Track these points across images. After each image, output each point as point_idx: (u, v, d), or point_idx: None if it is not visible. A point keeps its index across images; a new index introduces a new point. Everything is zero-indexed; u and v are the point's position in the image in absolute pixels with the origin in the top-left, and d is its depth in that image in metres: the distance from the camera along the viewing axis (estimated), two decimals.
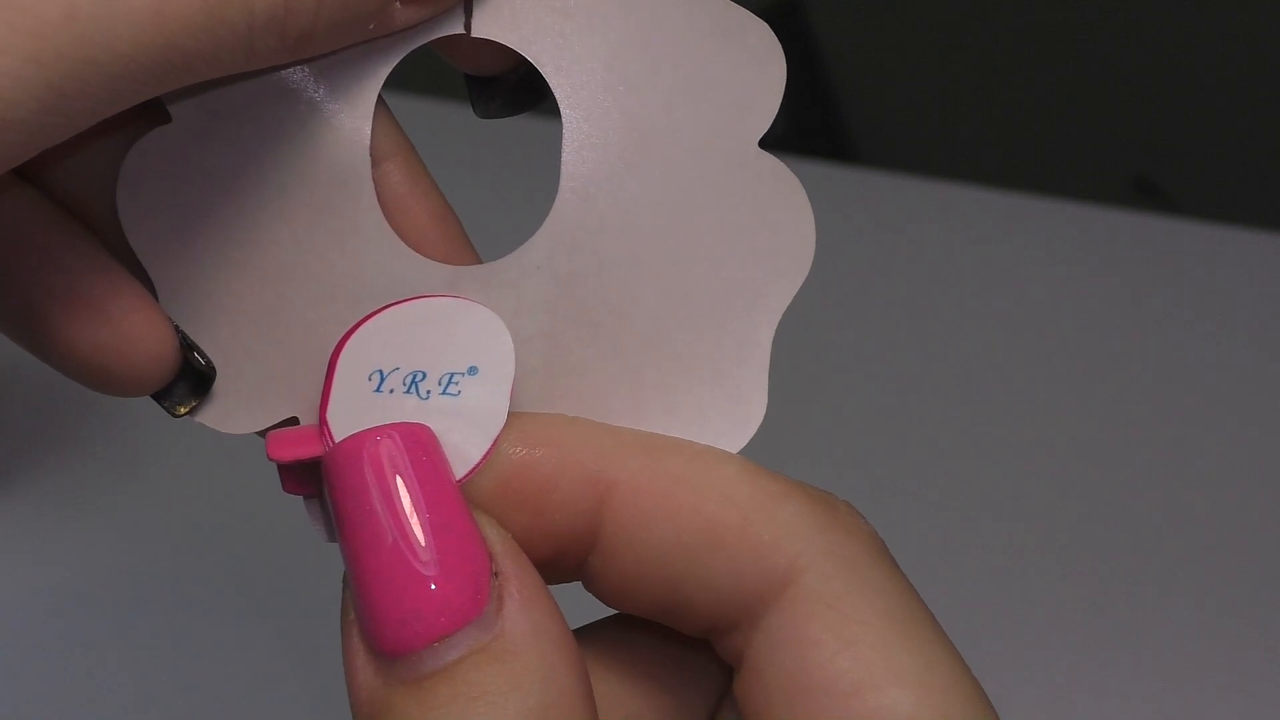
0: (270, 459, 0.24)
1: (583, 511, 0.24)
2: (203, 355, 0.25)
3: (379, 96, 0.25)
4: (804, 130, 1.18)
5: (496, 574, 0.22)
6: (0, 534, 0.50)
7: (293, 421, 0.25)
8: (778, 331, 0.25)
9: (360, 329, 0.24)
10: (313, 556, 0.49)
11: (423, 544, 0.22)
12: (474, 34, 0.24)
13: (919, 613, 0.23)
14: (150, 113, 0.25)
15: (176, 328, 0.25)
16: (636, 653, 0.26)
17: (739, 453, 0.24)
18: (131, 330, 0.24)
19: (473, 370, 0.24)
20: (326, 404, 0.24)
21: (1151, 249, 0.64)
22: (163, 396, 0.25)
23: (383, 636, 0.22)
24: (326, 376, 0.24)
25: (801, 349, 0.49)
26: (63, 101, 0.20)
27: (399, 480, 0.22)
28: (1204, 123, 1.21)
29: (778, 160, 0.24)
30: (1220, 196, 1.17)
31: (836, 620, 0.23)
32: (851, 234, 0.63)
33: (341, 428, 0.24)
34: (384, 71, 0.24)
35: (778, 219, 0.24)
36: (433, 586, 0.22)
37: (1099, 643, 0.48)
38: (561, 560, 0.24)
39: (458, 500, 0.23)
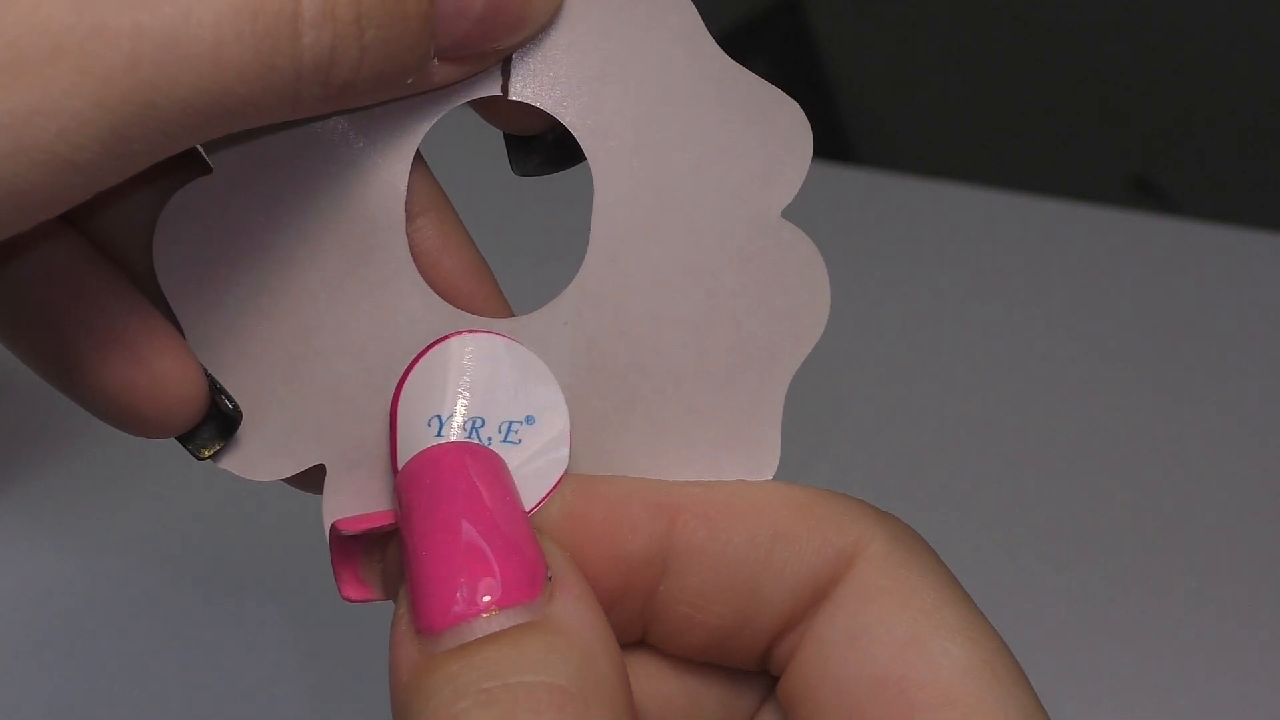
0: (341, 532, 0.25)
1: (653, 533, 0.25)
2: (230, 399, 0.25)
3: (417, 153, 0.25)
4: None
5: (550, 579, 0.23)
6: (0, 534, 0.50)
7: (319, 470, 0.26)
8: None
9: (412, 374, 0.25)
10: (314, 557, 0.49)
11: (488, 535, 0.23)
12: (511, 96, 0.25)
13: (966, 614, 0.25)
14: (189, 162, 0.25)
15: (206, 371, 0.25)
16: (679, 660, 0.27)
17: None
18: (162, 372, 0.25)
19: (529, 420, 0.25)
20: (395, 453, 0.25)
21: (1151, 249, 0.64)
22: (188, 439, 0.25)
23: (434, 612, 0.22)
24: (390, 427, 0.25)
25: None
26: (123, 145, 0.20)
27: (473, 479, 0.24)
28: (1204, 123, 1.21)
29: (797, 229, 0.25)
30: (1220, 196, 1.17)
31: (897, 587, 0.24)
32: (851, 234, 0.63)
33: None
34: (423, 128, 0.25)
35: (795, 284, 0.26)
36: (494, 568, 0.22)
37: (1099, 643, 0.48)
38: (630, 592, 0.25)
39: (522, 514, 0.24)
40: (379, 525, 0.25)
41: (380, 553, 0.25)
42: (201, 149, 0.25)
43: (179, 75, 0.20)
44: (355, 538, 0.25)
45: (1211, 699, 0.47)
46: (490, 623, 0.22)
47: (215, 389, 0.25)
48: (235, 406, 0.25)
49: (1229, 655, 0.48)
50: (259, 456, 0.26)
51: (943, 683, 0.23)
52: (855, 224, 0.65)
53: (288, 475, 0.26)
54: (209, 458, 0.25)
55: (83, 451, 0.53)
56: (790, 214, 0.26)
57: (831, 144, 1.21)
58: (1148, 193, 1.22)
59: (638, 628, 0.26)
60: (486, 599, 0.22)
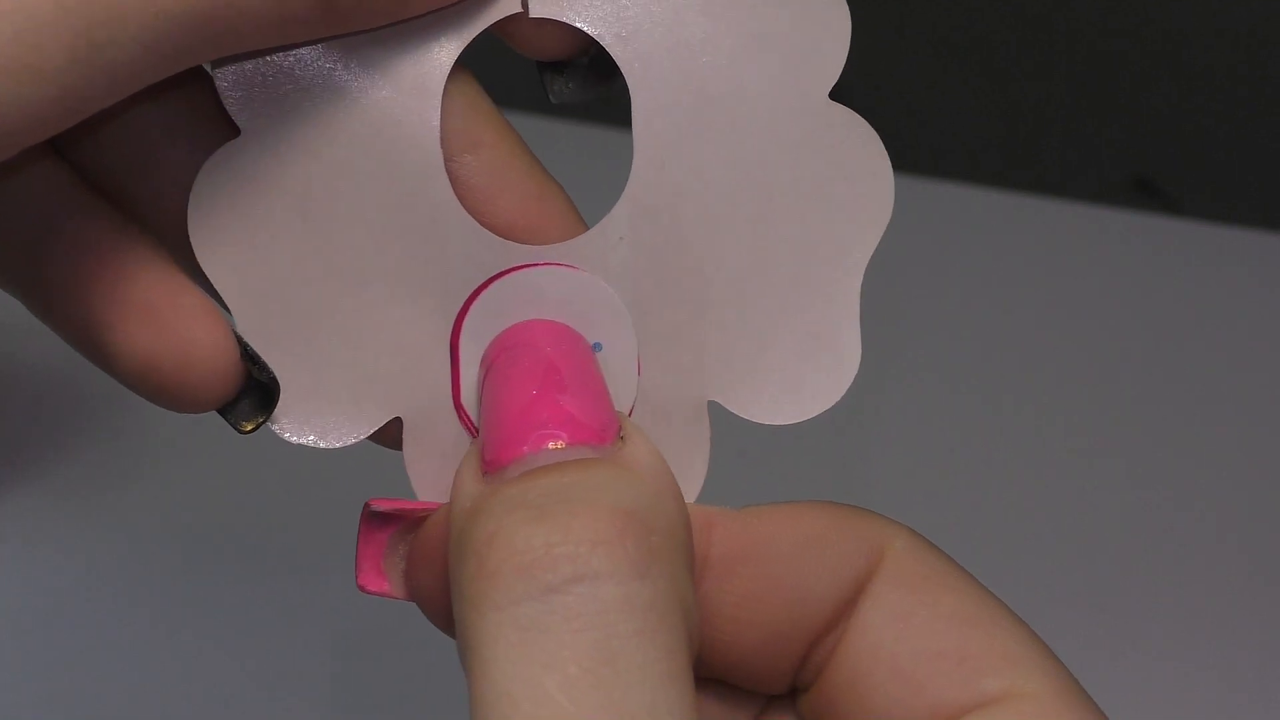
0: (372, 508, 0.24)
1: (696, 541, 0.24)
2: (266, 369, 0.25)
3: (455, 85, 0.24)
4: None
5: (623, 437, 0.23)
6: (0, 534, 0.50)
7: (396, 424, 0.25)
8: None
9: (472, 308, 0.25)
10: (316, 556, 0.49)
11: (566, 386, 0.23)
12: (532, 13, 0.24)
13: (1000, 601, 0.25)
14: (219, 132, 0.24)
15: (240, 340, 0.24)
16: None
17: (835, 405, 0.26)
18: (191, 340, 0.24)
19: (597, 347, 0.25)
20: (458, 391, 0.25)
21: (1151, 249, 0.64)
22: (227, 412, 0.25)
23: (502, 447, 0.22)
24: (452, 364, 0.25)
25: None
26: (95, 53, 0.19)
27: (558, 343, 0.24)
28: (1204, 123, 1.21)
29: (849, 109, 0.25)
30: (1220, 196, 1.17)
31: (934, 573, 0.24)
32: None
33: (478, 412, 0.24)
34: (446, 62, 0.24)
35: (854, 168, 0.25)
36: (567, 410, 0.22)
37: (1100, 643, 0.48)
38: None
39: (601, 381, 0.23)
40: (413, 509, 0.24)
41: (406, 548, 0.25)
42: (229, 112, 0.24)
43: None
44: (386, 518, 0.25)
45: (1211, 699, 0.47)
46: (557, 454, 0.22)
47: (249, 358, 0.25)
48: (271, 377, 0.25)
49: (1229, 655, 0.48)
50: (332, 423, 0.25)
51: (1001, 650, 0.24)
52: None
53: (364, 436, 0.25)
54: (250, 431, 0.25)
55: (84, 451, 0.53)
56: None
57: None
58: (1149, 193, 1.22)
59: None
60: (555, 440, 0.22)
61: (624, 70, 0.24)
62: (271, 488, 0.51)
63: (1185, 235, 0.65)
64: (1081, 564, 0.51)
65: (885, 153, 0.25)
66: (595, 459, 0.22)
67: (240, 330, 0.25)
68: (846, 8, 0.25)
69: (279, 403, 0.25)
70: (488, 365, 0.24)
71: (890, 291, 0.63)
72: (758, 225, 0.25)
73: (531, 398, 0.23)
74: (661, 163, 0.25)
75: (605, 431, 0.22)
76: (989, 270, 0.63)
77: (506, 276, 0.25)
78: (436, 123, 0.24)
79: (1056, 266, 0.63)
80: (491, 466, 0.22)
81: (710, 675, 0.26)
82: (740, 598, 0.25)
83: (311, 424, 0.25)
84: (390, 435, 0.26)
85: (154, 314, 0.24)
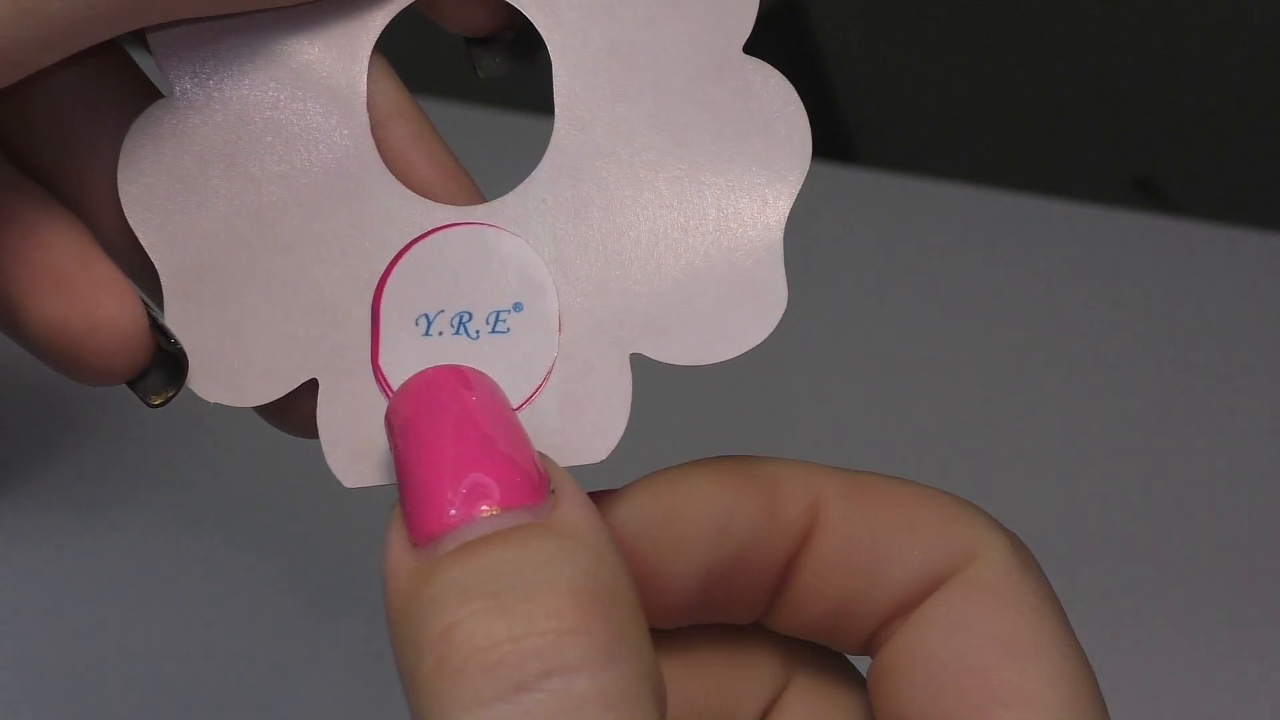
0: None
1: (805, 505, 0.25)
2: (175, 339, 0.25)
3: (376, 58, 0.25)
4: None
5: (553, 491, 0.22)
6: (0, 534, 0.50)
7: (313, 386, 0.25)
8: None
9: (394, 271, 0.25)
10: (316, 556, 0.49)
11: (483, 442, 0.22)
12: None
13: (1064, 630, 0.25)
14: (140, 106, 0.25)
15: (149, 311, 0.25)
16: (691, 640, 0.26)
17: (760, 344, 0.25)
18: (100, 309, 0.24)
19: (518, 307, 0.25)
20: (377, 353, 0.25)
21: (1151, 249, 0.64)
22: (136, 385, 0.25)
23: (429, 518, 0.21)
24: (372, 326, 0.25)
25: (800, 349, 0.49)
26: (35, 4, 0.19)
27: (469, 395, 0.23)
28: (1204, 123, 1.21)
29: (763, 62, 0.25)
30: (1220, 196, 1.17)
31: (1006, 590, 0.25)
32: (851, 234, 0.63)
33: (396, 375, 0.24)
34: (373, 29, 0.25)
35: (771, 119, 0.25)
36: (492, 470, 0.21)
37: (1100, 644, 0.48)
38: (774, 560, 0.25)
39: (521, 429, 0.23)
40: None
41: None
42: (154, 61, 0.24)
43: None
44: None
45: (1212, 699, 0.47)
46: (492, 522, 0.21)
47: (158, 329, 0.25)
48: (180, 349, 0.25)
49: (1229, 655, 0.48)
50: (248, 381, 0.25)
51: (1024, 682, 0.24)
52: (856, 224, 0.64)
53: (278, 396, 0.25)
54: (159, 405, 0.25)
55: (84, 452, 0.53)
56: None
57: (831, 144, 1.21)
58: (1149, 193, 1.22)
59: (766, 599, 0.26)
60: (485, 504, 0.21)
61: (544, 35, 0.25)
62: (272, 488, 0.51)
63: (1185, 235, 0.65)
64: (1081, 564, 0.51)
65: (799, 102, 0.25)
66: (533, 525, 0.21)
67: (166, 290, 0.25)
68: None
69: (196, 361, 0.25)
70: (399, 425, 0.23)
71: (890, 292, 0.63)
72: (680, 182, 0.25)
73: (453, 457, 0.22)
74: (582, 124, 0.25)
75: (537, 489, 0.22)
76: (989, 270, 0.63)
77: (430, 237, 0.25)
78: (363, 87, 0.25)
79: (1056, 266, 0.63)
80: (422, 539, 0.21)
81: (789, 630, 0.26)
82: (821, 566, 0.25)
83: (227, 382, 0.25)
84: (300, 416, 0.25)
85: (64, 281, 0.24)
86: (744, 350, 0.25)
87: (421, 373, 0.23)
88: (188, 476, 0.52)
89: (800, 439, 0.53)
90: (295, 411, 0.25)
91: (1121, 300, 0.62)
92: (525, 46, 0.26)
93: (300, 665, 0.47)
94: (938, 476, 0.53)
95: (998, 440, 0.55)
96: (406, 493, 0.22)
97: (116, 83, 0.25)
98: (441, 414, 0.22)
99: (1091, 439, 0.56)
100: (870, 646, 0.26)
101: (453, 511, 0.21)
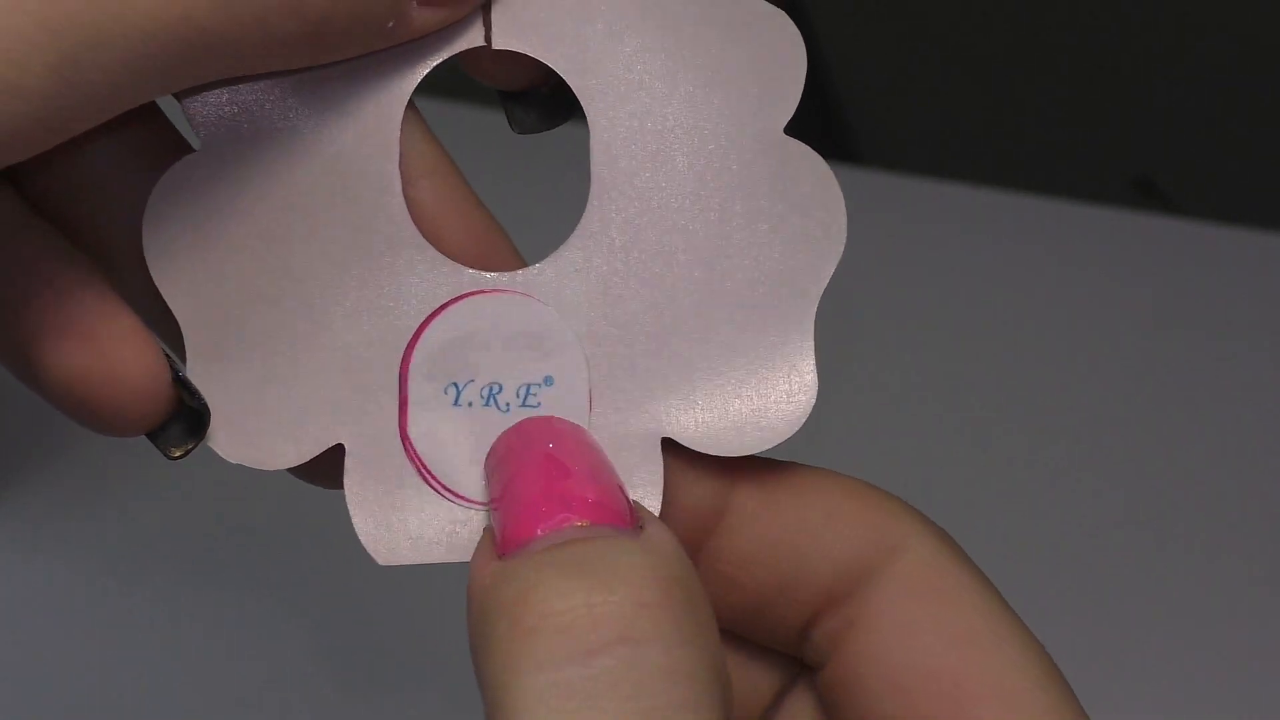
0: None
1: (715, 489, 0.25)
2: (197, 394, 0.24)
3: (410, 114, 0.25)
4: (804, 130, 1.17)
5: (641, 525, 0.22)
6: (0, 534, 0.50)
7: (333, 461, 0.25)
8: None
9: (423, 336, 0.24)
10: (316, 556, 0.49)
11: (586, 471, 0.22)
12: (495, 45, 0.24)
13: (1014, 618, 0.25)
14: (175, 147, 0.24)
15: (172, 365, 0.24)
16: None
17: (794, 434, 0.26)
18: (121, 362, 0.23)
19: (549, 380, 0.24)
20: (405, 421, 0.24)
21: (1151, 249, 0.64)
22: (156, 436, 0.24)
23: (524, 523, 0.21)
24: (400, 391, 0.24)
25: None
26: (78, 73, 0.19)
27: (564, 432, 0.23)
28: (1204, 123, 1.21)
29: (803, 144, 0.25)
30: (1220, 196, 1.17)
31: (947, 585, 0.24)
32: (851, 234, 0.63)
33: (425, 444, 0.24)
34: (408, 86, 0.24)
35: (808, 202, 0.25)
36: (586, 496, 0.22)
37: (1101, 643, 0.48)
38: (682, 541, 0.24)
39: (613, 468, 0.23)
40: None
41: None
42: (187, 119, 0.24)
43: None
44: None
45: (1212, 699, 0.47)
46: (582, 531, 0.21)
47: (180, 384, 0.24)
48: (203, 403, 0.24)
49: (1229, 655, 0.48)
50: (271, 444, 0.25)
51: (997, 679, 0.23)
52: (856, 224, 0.64)
53: (305, 460, 0.25)
54: (179, 458, 0.24)
55: (84, 452, 0.53)
56: None
57: (833, 144, 1.21)
58: (1149, 193, 1.22)
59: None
60: (581, 520, 0.21)
61: (583, 103, 0.25)
62: (273, 488, 0.51)
63: (1185, 235, 0.65)
64: (1082, 564, 0.51)
65: (837, 185, 0.25)
66: (620, 535, 0.21)
67: (189, 347, 0.25)
68: (803, 47, 0.25)
69: (219, 420, 0.25)
70: (497, 458, 0.24)
71: (891, 292, 0.63)
72: (713, 260, 0.25)
73: (549, 482, 0.22)
74: (618, 196, 0.25)
75: (626, 517, 0.22)
76: (989, 270, 0.63)
77: (459, 303, 0.25)
78: (396, 146, 0.24)
79: (1056, 266, 0.63)
80: (510, 546, 0.21)
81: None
82: (738, 557, 0.25)
83: (251, 444, 0.25)
84: (326, 470, 0.25)
85: (86, 334, 0.23)
86: (770, 445, 0.25)
87: (528, 419, 0.24)
88: (188, 477, 0.52)
89: (799, 438, 0.53)
90: (319, 467, 0.25)
91: (1122, 300, 0.62)
92: (561, 102, 0.25)
93: (300, 666, 0.47)
94: (938, 476, 0.53)
95: (998, 440, 0.55)
96: (502, 513, 0.22)
97: (144, 135, 0.25)
98: (539, 448, 0.23)
99: (1092, 439, 0.56)
100: (805, 647, 0.26)
101: (547, 526, 0.21)
